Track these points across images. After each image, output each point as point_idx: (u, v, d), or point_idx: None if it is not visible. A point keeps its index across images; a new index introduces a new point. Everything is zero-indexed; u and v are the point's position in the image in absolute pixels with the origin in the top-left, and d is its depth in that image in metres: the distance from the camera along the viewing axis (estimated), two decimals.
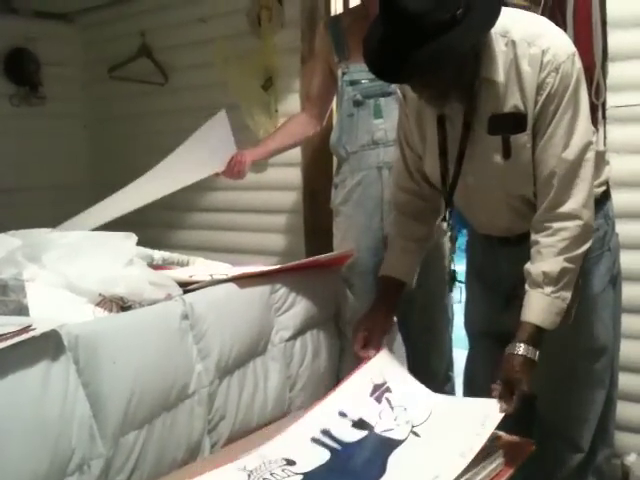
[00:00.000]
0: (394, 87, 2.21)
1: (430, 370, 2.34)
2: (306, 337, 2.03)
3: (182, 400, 1.63)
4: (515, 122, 1.51)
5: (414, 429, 1.54)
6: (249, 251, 3.30)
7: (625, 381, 2.06)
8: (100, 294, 1.66)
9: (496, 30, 1.47)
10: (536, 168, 1.52)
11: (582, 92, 1.50)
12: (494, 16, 1.39)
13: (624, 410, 2.19)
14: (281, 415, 1.92)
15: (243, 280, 1.89)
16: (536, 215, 1.54)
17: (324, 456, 1.48)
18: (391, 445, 1.51)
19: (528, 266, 1.51)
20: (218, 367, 1.72)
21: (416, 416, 1.57)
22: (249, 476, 1.40)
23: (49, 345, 1.40)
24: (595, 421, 1.78)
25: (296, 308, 2.00)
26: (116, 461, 1.45)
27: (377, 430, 1.56)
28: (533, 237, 1.53)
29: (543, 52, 1.46)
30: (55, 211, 3.56)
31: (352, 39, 2.29)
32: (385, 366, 1.69)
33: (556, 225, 1.49)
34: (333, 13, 2.91)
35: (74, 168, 3.99)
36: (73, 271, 1.66)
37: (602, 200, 1.68)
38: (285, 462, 1.44)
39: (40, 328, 1.38)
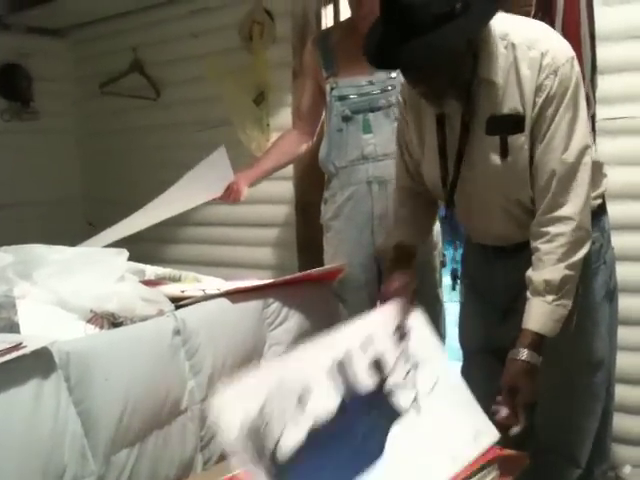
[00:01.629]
0: (383, 102, 2.23)
1: None
2: None
3: (174, 417, 1.62)
4: (513, 123, 1.51)
5: (417, 400, 1.52)
6: (241, 265, 3.29)
7: (620, 393, 2.07)
8: (91, 310, 1.65)
9: (496, 33, 1.49)
10: (535, 171, 1.52)
11: (580, 96, 1.51)
12: (491, 12, 1.41)
13: (619, 422, 2.18)
14: None
15: (235, 295, 1.88)
16: (534, 220, 1.54)
17: (334, 403, 1.42)
18: (392, 417, 1.48)
19: (530, 273, 1.51)
20: (210, 383, 1.71)
21: (422, 382, 1.55)
22: (263, 406, 1.31)
23: (40, 363, 1.40)
24: (592, 435, 1.77)
25: (289, 323, 2.00)
26: (108, 479, 1.44)
27: (389, 383, 1.52)
28: (533, 244, 1.52)
29: (542, 55, 1.47)
30: (47, 226, 3.57)
31: (341, 54, 2.30)
32: (410, 316, 1.65)
33: (553, 230, 1.49)
34: (324, 27, 2.92)
35: (66, 183, 3.99)
36: (64, 288, 1.65)
37: (598, 213, 1.68)
38: (297, 400, 1.38)
39: (31, 346, 1.38)
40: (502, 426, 1.48)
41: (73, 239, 3.30)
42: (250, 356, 1.86)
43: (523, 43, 1.50)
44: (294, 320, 2.01)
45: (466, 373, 1.92)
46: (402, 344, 1.57)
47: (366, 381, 1.49)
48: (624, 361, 2.08)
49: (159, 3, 3.47)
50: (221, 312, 1.82)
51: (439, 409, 1.52)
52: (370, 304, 2.37)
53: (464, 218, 1.77)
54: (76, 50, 4.01)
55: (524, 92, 1.49)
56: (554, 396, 1.72)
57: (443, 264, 1.84)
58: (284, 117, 3.10)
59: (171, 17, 3.49)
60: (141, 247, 3.29)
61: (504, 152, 1.53)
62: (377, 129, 2.25)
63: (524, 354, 1.47)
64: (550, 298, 1.48)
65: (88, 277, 1.70)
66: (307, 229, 2.93)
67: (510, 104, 1.51)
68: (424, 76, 1.47)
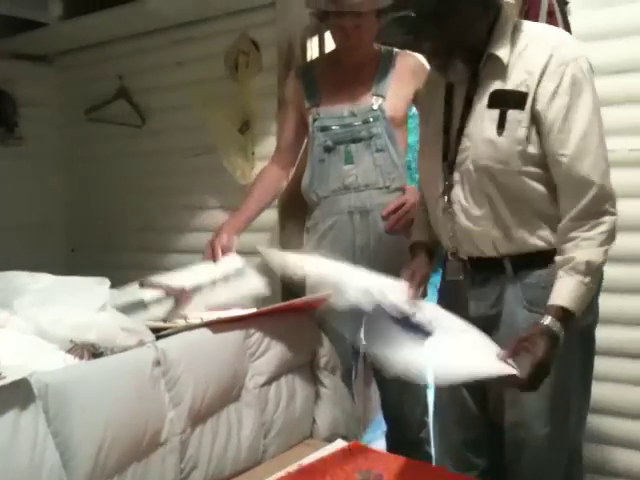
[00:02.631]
0: (364, 133, 2.25)
1: (405, 415, 2.34)
2: (281, 382, 2.03)
3: (154, 449, 1.61)
4: (515, 99, 1.55)
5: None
6: None
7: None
8: (71, 340, 1.65)
9: (514, 23, 1.60)
10: (553, 168, 1.54)
11: (593, 93, 1.54)
12: None
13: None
14: (254, 463, 1.90)
15: (217, 325, 1.88)
16: (566, 219, 1.54)
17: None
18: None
19: (570, 253, 1.51)
20: (190, 414, 1.70)
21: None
22: None
23: (19, 393, 1.40)
24: None
25: (271, 353, 1.99)
26: None
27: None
28: (569, 235, 1.53)
29: (554, 47, 1.53)
30: (30, 251, 3.54)
31: (324, 86, 2.33)
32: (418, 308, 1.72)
33: (593, 221, 1.51)
34: (309, 59, 2.95)
35: (50, 209, 3.97)
36: (44, 317, 1.65)
37: None
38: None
39: (10, 377, 1.38)
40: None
41: (56, 265, 3.31)
42: (231, 387, 1.86)
43: (537, 33, 1.59)
44: (276, 350, 2.01)
45: (440, 406, 1.91)
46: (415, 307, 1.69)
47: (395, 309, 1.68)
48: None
49: (145, 32, 3.49)
50: (202, 343, 1.81)
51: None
52: (351, 331, 2.39)
53: (456, 212, 1.70)
54: (62, 76, 4.02)
55: (532, 74, 1.53)
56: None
57: (424, 294, 1.83)
58: (269, 145, 3.10)
59: (157, 45, 3.52)
60: (124, 274, 3.30)
61: (501, 125, 1.56)
62: (358, 160, 2.27)
63: (548, 320, 1.47)
64: (587, 279, 1.49)
65: (69, 306, 1.69)
66: None
67: (515, 82, 1.55)
68: (436, 24, 1.53)
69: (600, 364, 1.84)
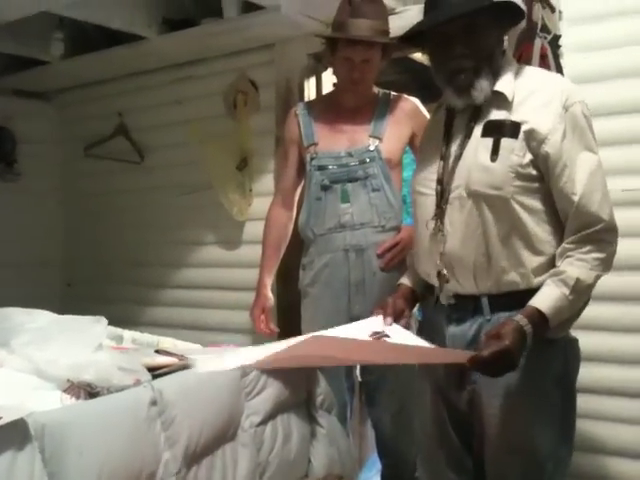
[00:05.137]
0: (361, 173, 2.29)
1: (400, 454, 2.33)
2: (277, 422, 2.02)
3: None
4: (508, 129, 1.59)
5: None
6: (220, 329, 3.29)
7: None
8: (68, 380, 1.65)
9: (515, 66, 1.68)
10: (562, 204, 1.57)
11: (593, 133, 1.59)
12: None
13: None
14: None
15: None
16: (567, 240, 1.56)
17: None
18: None
19: (564, 267, 1.52)
20: (186, 455, 1.70)
21: None
22: None
23: (15, 434, 1.39)
24: None
25: (267, 392, 1.99)
26: None
27: None
28: (567, 253, 1.54)
29: (559, 90, 1.58)
30: (26, 286, 3.56)
31: (322, 126, 2.37)
32: (389, 328, 1.72)
33: (590, 247, 1.53)
34: (306, 99, 3.00)
35: (46, 244, 3.99)
36: (42, 356, 1.65)
37: None
38: None
39: (7, 417, 1.37)
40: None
41: (52, 300, 3.31)
42: (227, 427, 1.85)
43: (542, 77, 1.67)
44: (272, 389, 2.01)
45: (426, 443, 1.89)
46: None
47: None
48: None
49: (145, 70, 3.55)
50: (198, 382, 1.81)
51: None
52: (346, 369, 2.39)
53: (446, 236, 1.69)
54: (61, 113, 4.07)
55: (538, 115, 1.57)
56: None
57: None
58: (266, 183, 3.16)
59: (156, 84, 3.57)
60: (119, 308, 3.32)
61: (495, 151, 1.59)
62: (355, 199, 2.30)
63: (519, 316, 1.48)
64: (572, 297, 1.50)
65: (66, 346, 1.70)
66: (286, 294, 2.94)
67: (513, 117, 1.60)
68: (469, 31, 1.60)
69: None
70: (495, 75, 1.64)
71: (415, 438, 2.31)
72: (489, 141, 1.61)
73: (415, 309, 1.97)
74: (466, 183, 1.63)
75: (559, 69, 2.33)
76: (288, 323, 2.79)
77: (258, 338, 3.04)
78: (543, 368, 1.59)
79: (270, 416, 1.99)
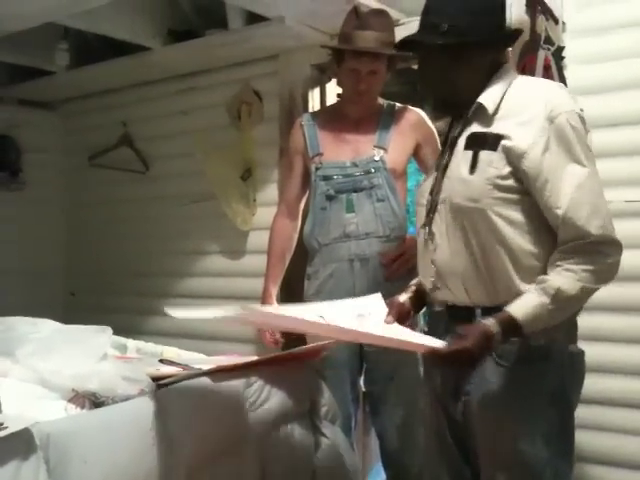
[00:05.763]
0: (366, 183, 2.30)
1: (404, 465, 2.32)
2: (281, 432, 2.01)
3: None
4: (488, 141, 1.58)
5: None
6: (224, 339, 3.28)
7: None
8: (73, 390, 1.65)
9: (509, 78, 1.65)
10: (549, 218, 1.54)
11: (583, 145, 1.54)
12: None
13: None
14: None
15: (218, 374, 1.88)
16: (558, 250, 1.53)
17: None
18: None
19: (548, 275, 1.50)
20: (190, 465, 1.69)
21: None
22: None
23: (20, 443, 1.40)
24: None
25: (271, 402, 1.98)
26: None
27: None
28: (555, 262, 1.51)
29: (543, 101, 1.54)
30: (30, 295, 3.57)
31: (326, 137, 2.38)
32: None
33: (581, 258, 1.49)
34: (310, 109, 3.01)
35: (51, 252, 4.00)
36: (46, 367, 1.66)
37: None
38: None
39: (12, 427, 1.38)
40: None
41: (55, 309, 3.32)
42: (231, 437, 1.85)
43: (529, 87, 1.63)
44: (276, 399, 2.00)
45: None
46: None
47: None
48: None
49: (149, 81, 3.57)
50: (202, 392, 1.81)
51: None
52: (351, 381, 2.39)
53: (435, 245, 1.70)
54: (66, 123, 4.09)
55: (521, 128, 1.54)
56: None
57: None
58: (270, 193, 3.17)
59: (161, 94, 3.60)
60: (123, 318, 3.32)
61: (473, 165, 1.58)
62: (359, 209, 2.31)
63: (490, 320, 1.48)
64: (551, 306, 1.48)
65: (70, 356, 1.70)
66: (291, 304, 2.94)
67: (495, 130, 1.58)
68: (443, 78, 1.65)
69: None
70: (480, 91, 1.63)
71: (419, 449, 2.32)
72: (469, 154, 1.61)
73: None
74: (449, 196, 1.64)
75: (562, 80, 2.34)
76: (292, 334, 2.79)
77: (262, 347, 3.04)
78: (536, 383, 1.57)
79: (274, 427, 1.99)
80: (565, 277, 1.49)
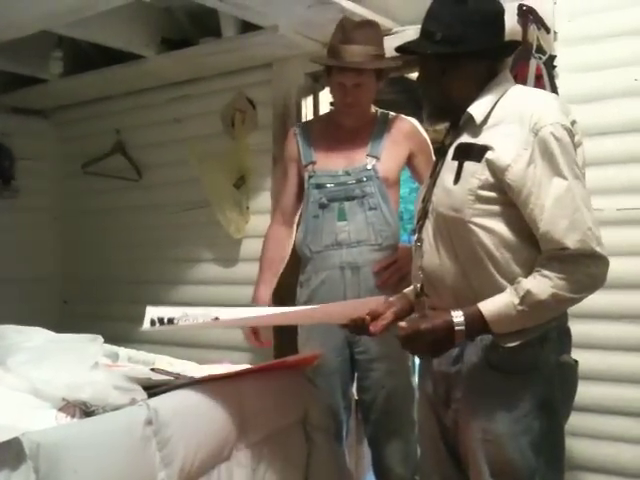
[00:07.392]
0: (358, 192, 2.31)
1: (395, 474, 2.32)
2: (273, 441, 2.01)
3: None
4: (473, 152, 1.59)
5: None
6: (216, 346, 3.27)
7: None
8: (64, 399, 1.64)
9: (503, 87, 1.66)
10: (532, 226, 1.53)
11: (567, 157, 1.52)
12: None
13: None
14: None
15: (209, 382, 1.88)
16: (540, 256, 1.53)
17: None
18: None
19: (527, 278, 1.51)
20: (181, 475, 1.68)
21: None
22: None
23: (10, 453, 1.39)
24: None
25: (264, 411, 1.98)
26: None
27: None
28: (535, 267, 1.52)
29: (529, 113, 1.54)
30: (22, 303, 3.55)
31: (320, 145, 2.39)
32: None
33: (560, 266, 1.49)
34: (304, 117, 3.02)
35: (43, 261, 3.98)
36: (37, 375, 1.65)
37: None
38: None
39: (1, 436, 1.37)
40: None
41: (48, 317, 3.30)
42: (223, 446, 1.84)
43: (517, 98, 1.63)
44: (268, 408, 2.00)
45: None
46: None
47: None
48: None
49: (143, 89, 3.56)
50: (194, 401, 1.81)
51: None
52: (342, 389, 2.39)
53: (425, 253, 1.72)
54: (59, 130, 4.09)
55: (500, 135, 1.56)
56: None
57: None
58: (264, 200, 3.17)
59: (154, 102, 3.59)
60: (115, 326, 3.30)
61: (457, 175, 1.60)
62: (351, 217, 2.32)
63: (456, 314, 1.51)
64: (520, 307, 1.48)
65: (61, 365, 1.70)
66: None
67: (486, 142, 1.58)
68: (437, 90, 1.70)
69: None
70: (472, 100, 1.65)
71: (412, 457, 2.32)
72: (455, 164, 1.62)
73: None
74: (435, 205, 1.67)
75: (554, 89, 2.35)
76: (284, 341, 2.79)
77: (255, 356, 3.04)
78: (524, 393, 1.57)
79: (266, 435, 1.98)
80: (538, 281, 1.49)
